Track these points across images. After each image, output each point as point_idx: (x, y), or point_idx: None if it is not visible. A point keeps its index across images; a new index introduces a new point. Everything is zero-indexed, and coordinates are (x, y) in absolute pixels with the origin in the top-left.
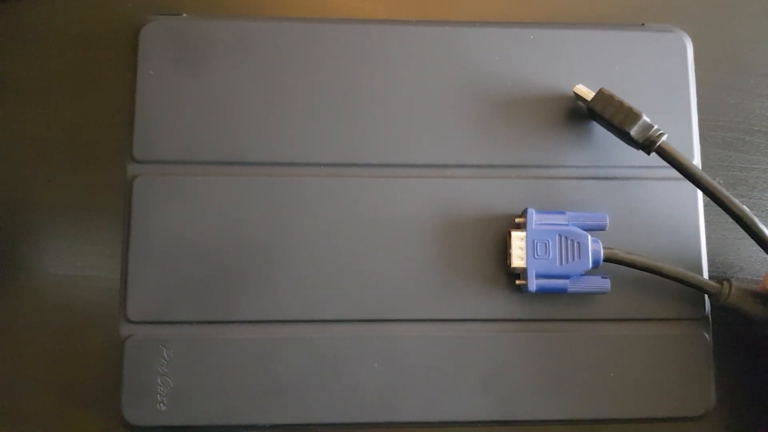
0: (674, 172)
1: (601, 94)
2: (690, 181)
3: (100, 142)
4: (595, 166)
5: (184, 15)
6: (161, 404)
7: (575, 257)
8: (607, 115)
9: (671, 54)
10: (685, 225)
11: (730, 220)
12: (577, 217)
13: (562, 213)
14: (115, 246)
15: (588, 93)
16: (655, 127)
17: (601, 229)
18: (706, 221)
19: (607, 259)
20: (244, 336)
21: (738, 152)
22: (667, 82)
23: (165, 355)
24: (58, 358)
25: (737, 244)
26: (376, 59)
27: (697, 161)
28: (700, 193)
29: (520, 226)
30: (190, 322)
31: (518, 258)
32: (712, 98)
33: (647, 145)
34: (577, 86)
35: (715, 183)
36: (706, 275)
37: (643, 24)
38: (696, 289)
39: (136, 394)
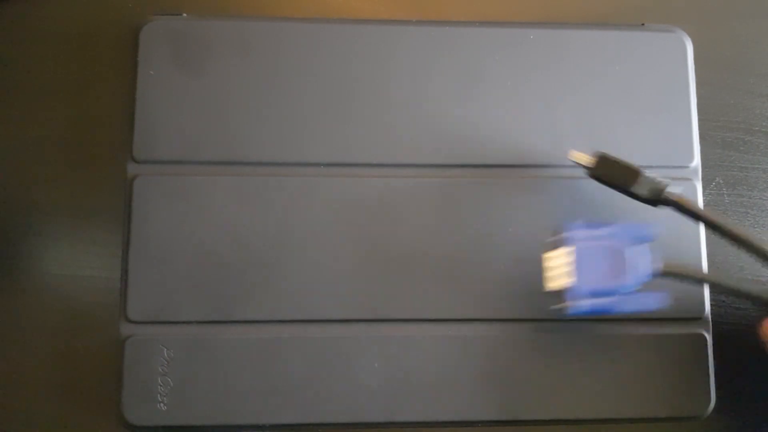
0: (674, 173)
1: (600, 160)
2: (704, 224)
3: (100, 142)
4: None
5: (185, 15)
6: (161, 404)
7: (620, 273)
8: (607, 178)
9: (671, 54)
10: (685, 225)
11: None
12: (619, 230)
13: (603, 226)
14: (115, 246)
15: (586, 160)
16: (658, 179)
17: (648, 240)
18: None
19: (663, 274)
20: (245, 336)
21: (738, 152)
22: (667, 82)
23: (165, 354)
24: (58, 358)
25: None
26: (377, 59)
27: (696, 161)
28: (700, 194)
29: (555, 244)
30: (190, 322)
31: (556, 279)
32: (712, 98)
33: (654, 199)
34: (571, 153)
35: (731, 223)
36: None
37: (643, 24)
38: None
39: (137, 393)
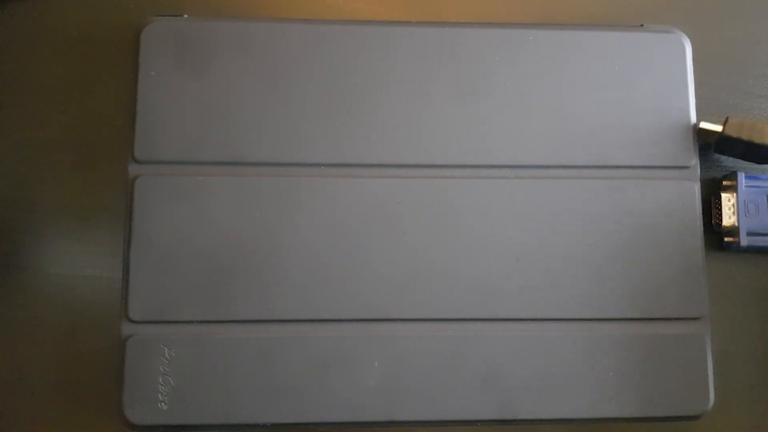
0: (674, 173)
1: (730, 123)
2: None
3: (102, 142)
4: (595, 166)
5: (185, 16)
6: (162, 403)
7: None
8: (745, 136)
9: (670, 55)
10: (685, 225)
11: None
12: None
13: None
14: (116, 246)
15: (715, 126)
16: None
17: None
18: (706, 221)
19: None
20: (245, 335)
21: None
22: (666, 83)
23: (166, 354)
24: (59, 357)
25: None
26: (376, 60)
27: (695, 161)
28: (699, 193)
29: (728, 188)
30: (191, 322)
31: (728, 217)
32: (711, 99)
33: None
34: (701, 124)
35: None
36: (705, 275)
37: (641, 25)
38: None
39: (138, 393)
